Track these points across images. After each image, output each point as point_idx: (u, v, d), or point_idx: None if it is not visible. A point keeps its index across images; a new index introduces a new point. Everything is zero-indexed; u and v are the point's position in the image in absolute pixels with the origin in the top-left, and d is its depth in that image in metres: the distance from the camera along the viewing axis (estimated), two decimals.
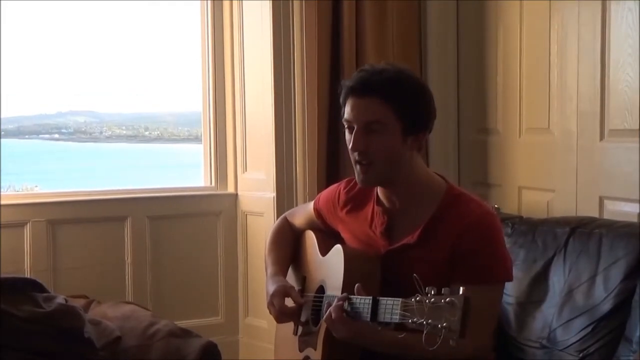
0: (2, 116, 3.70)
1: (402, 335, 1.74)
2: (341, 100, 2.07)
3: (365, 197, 2.20)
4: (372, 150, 2.01)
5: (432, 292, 1.65)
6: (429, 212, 2.05)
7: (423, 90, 2.07)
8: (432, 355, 1.65)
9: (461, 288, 1.62)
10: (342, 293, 2.01)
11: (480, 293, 1.80)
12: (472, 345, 1.79)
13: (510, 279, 2.08)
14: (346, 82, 2.06)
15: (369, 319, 1.84)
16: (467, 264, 1.97)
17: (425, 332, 1.63)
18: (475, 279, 1.92)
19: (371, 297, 1.85)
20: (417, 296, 1.67)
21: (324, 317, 1.97)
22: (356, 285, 1.91)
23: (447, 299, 1.61)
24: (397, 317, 1.74)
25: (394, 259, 2.07)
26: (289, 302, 2.23)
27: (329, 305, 2.00)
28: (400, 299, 1.74)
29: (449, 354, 1.69)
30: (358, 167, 2.05)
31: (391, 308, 1.78)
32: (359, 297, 1.90)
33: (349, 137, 2.05)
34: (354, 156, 2.04)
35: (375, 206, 2.15)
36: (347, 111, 2.04)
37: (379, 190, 2.15)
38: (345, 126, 2.07)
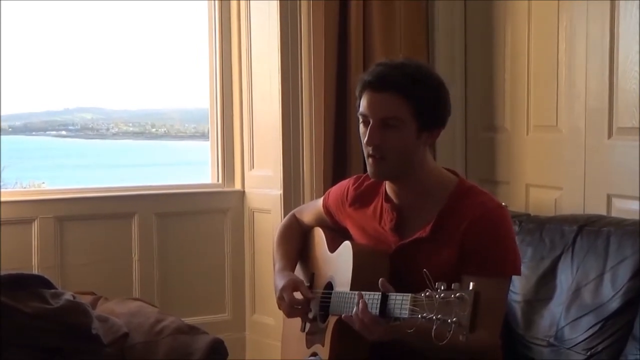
0: (10, 113, 3.71)
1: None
2: (357, 92, 2.05)
3: (374, 194, 2.20)
4: (387, 146, 1.99)
5: (442, 287, 1.65)
6: (439, 205, 2.04)
7: (441, 87, 2.04)
8: (461, 348, 1.65)
9: (471, 283, 1.62)
10: (350, 289, 2.01)
11: (489, 286, 1.80)
12: (488, 337, 1.81)
13: (518, 273, 2.07)
14: (364, 76, 2.03)
15: (377, 314, 1.83)
16: (476, 256, 1.97)
17: (434, 327, 1.62)
18: (483, 272, 1.92)
19: (380, 293, 1.84)
20: (427, 291, 1.67)
21: (356, 325, 1.90)
22: (380, 279, 1.88)
23: (457, 294, 1.60)
24: (407, 312, 1.73)
25: (405, 254, 2.06)
26: (298, 296, 2.23)
27: (336, 305, 1.98)
28: (410, 294, 1.74)
29: (473, 348, 1.69)
30: (370, 160, 2.03)
31: (400, 303, 1.77)
32: (368, 292, 1.89)
33: (363, 130, 2.03)
34: (367, 150, 2.02)
35: (384, 203, 2.14)
36: (363, 105, 2.01)
37: (387, 186, 2.14)
38: (360, 120, 2.04)
